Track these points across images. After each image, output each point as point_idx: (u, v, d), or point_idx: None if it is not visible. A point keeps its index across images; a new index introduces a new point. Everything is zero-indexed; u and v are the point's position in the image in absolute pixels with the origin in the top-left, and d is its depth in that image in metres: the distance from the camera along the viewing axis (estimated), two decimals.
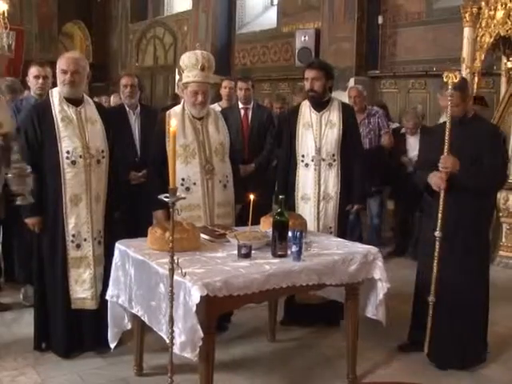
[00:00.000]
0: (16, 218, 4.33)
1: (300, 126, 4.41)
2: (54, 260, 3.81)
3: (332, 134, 4.32)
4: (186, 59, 4.09)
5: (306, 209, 4.36)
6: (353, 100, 6.54)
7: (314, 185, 4.35)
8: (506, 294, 5.62)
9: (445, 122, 4.00)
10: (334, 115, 4.35)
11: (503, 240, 6.49)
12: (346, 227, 4.44)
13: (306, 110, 4.43)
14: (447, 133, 3.61)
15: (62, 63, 3.75)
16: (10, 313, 4.62)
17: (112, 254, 3.54)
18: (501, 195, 6.39)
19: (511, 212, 6.37)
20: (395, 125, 7.28)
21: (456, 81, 3.57)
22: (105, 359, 3.81)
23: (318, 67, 4.37)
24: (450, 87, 3.59)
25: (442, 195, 3.68)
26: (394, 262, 6.15)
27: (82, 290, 3.82)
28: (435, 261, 3.71)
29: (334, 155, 4.33)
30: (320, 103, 4.38)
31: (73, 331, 3.85)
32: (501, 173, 3.98)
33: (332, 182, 4.35)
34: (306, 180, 4.39)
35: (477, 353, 3.89)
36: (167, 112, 4.20)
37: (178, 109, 4.18)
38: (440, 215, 3.66)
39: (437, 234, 3.69)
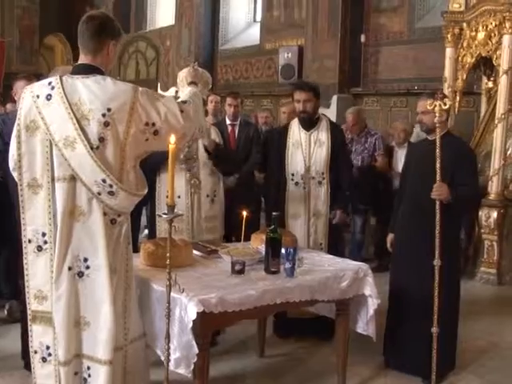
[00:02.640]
0: (2, 233, 4.31)
1: (290, 145, 4.48)
2: None
3: (321, 152, 4.39)
4: (180, 75, 4.11)
5: (297, 226, 4.40)
6: (351, 120, 6.72)
7: (304, 202, 4.42)
8: (487, 309, 5.72)
9: (425, 140, 4.11)
10: (322, 134, 4.42)
11: (484, 256, 6.59)
12: (337, 243, 4.49)
13: (295, 129, 4.50)
14: (438, 160, 3.62)
15: None
16: None
17: None
18: (483, 212, 6.52)
19: (493, 229, 6.48)
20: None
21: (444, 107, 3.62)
22: None
23: (309, 89, 4.42)
24: (437, 115, 3.61)
25: (437, 222, 3.65)
26: (377, 277, 6.19)
27: None
28: (436, 289, 3.65)
29: (323, 173, 4.40)
30: (309, 122, 4.45)
31: None
32: (479, 192, 4.12)
33: (322, 199, 4.42)
34: (295, 198, 4.44)
35: (445, 362, 3.93)
36: None
37: None
38: (437, 241, 3.64)
39: (435, 262, 3.66)
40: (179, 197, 4.04)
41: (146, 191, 2.80)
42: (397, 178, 6.46)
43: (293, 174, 4.45)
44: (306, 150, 4.42)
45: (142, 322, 2.96)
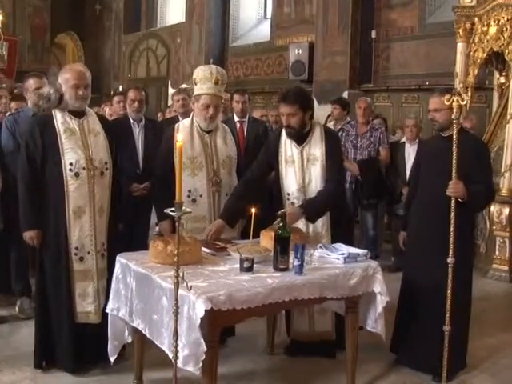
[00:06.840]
0: (14, 230, 4.33)
1: (282, 161, 3.98)
2: (58, 273, 3.74)
3: (315, 170, 3.90)
4: (200, 72, 4.04)
5: None
6: (362, 111, 6.65)
7: (303, 225, 3.88)
8: (499, 306, 5.69)
9: (438, 136, 4.06)
10: (316, 148, 3.90)
11: (496, 253, 6.54)
12: None
13: (287, 143, 3.97)
14: (454, 156, 3.54)
15: (73, 77, 3.70)
16: (6, 325, 4.58)
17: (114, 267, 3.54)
18: (494, 209, 6.47)
19: (504, 225, 6.43)
20: (392, 138, 7.35)
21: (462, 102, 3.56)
22: (105, 372, 3.78)
23: (293, 101, 3.81)
24: (455, 111, 3.52)
25: (451, 220, 3.60)
26: (390, 274, 6.16)
27: (85, 304, 3.76)
28: (449, 287, 3.60)
29: None
30: (298, 136, 3.93)
31: (77, 345, 3.78)
32: (493, 189, 4.07)
33: (321, 220, 3.91)
34: None
35: (457, 360, 3.90)
36: (175, 125, 4.19)
37: (186, 122, 4.19)
38: (451, 239, 3.59)
39: (449, 260, 3.61)
40: (201, 195, 4.02)
41: None
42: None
43: (288, 194, 3.96)
44: (299, 168, 3.92)
45: None
